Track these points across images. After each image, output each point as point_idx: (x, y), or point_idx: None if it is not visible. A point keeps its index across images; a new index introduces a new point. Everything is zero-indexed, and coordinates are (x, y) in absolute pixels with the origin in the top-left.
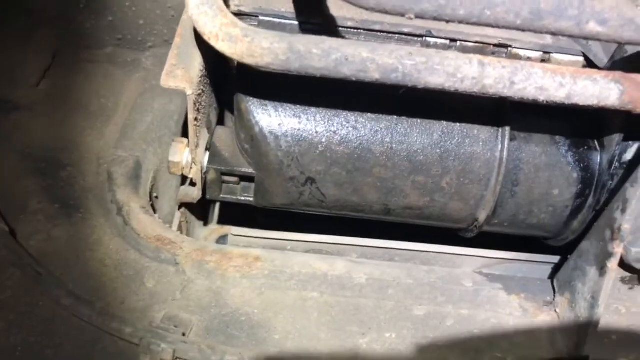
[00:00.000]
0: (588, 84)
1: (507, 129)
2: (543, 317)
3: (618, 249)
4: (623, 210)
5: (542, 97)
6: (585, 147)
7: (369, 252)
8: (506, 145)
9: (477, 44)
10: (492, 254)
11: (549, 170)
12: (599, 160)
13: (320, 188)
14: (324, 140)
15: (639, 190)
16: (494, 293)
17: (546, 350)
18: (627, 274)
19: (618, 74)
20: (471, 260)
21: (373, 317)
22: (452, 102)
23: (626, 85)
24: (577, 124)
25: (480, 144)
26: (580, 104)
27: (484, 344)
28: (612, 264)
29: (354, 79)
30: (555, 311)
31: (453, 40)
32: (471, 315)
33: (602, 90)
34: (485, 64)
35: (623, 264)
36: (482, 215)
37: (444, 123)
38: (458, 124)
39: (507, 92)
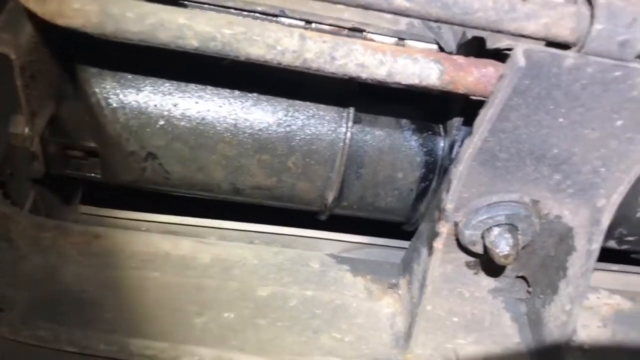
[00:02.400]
0: (408, 62)
1: (352, 110)
2: (387, 299)
3: (443, 229)
4: (447, 191)
5: (363, 75)
6: (430, 132)
7: (228, 235)
8: (350, 127)
9: (331, 27)
10: (352, 238)
11: (393, 154)
12: (442, 145)
13: (163, 164)
14: (164, 113)
15: (459, 170)
16: (341, 275)
17: (385, 331)
18: (472, 259)
19: (439, 54)
20: (332, 244)
21: (214, 297)
22: (299, 80)
23: (446, 65)
24: (423, 109)
25: (326, 124)
26: (403, 82)
27: (323, 325)
28: (438, 244)
29: (172, 46)
30: (398, 293)
31: (308, 22)
32: (315, 296)
33: (423, 69)
34: (306, 38)
35: (464, 248)
36: (329, 197)
37: (290, 101)
38: (304, 103)
39: (329, 67)
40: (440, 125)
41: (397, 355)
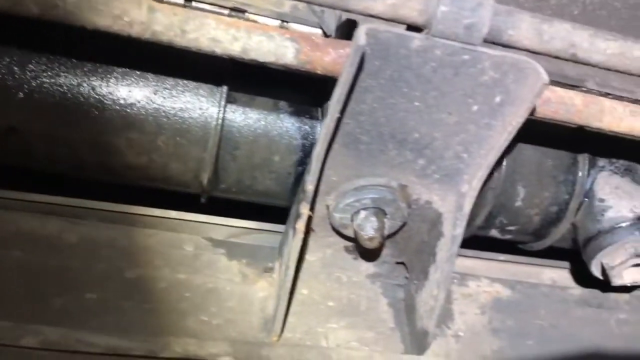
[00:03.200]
0: (263, 39)
1: (225, 89)
2: (262, 282)
3: (304, 210)
4: (308, 172)
5: (217, 50)
6: (308, 116)
7: (110, 217)
8: (223, 107)
9: (212, 6)
10: (241, 223)
11: (268, 136)
12: (319, 129)
13: (25, 139)
14: (25, 85)
15: (317, 150)
16: (215, 258)
17: (256, 314)
18: (350, 243)
19: (295, 33)
20: (219, 228)
21: (78, 278)
22: (169, 56)
23: (302, 44)
24: (302, 92)
25: (197, 103)
26: (260, 60)
27: (191, 307)
28: (299, 225)
29: (11, 12)
30: (273, 277)
31: (188, 0)
32: (187, 279)
33: (278, 47)
34: (155, 10)
35: (338, 232)
36: (204, 178)
37: (161, 77)
38: (174, 80)
39: (180, 40)
40: (319, 109)
41: (264, 339)
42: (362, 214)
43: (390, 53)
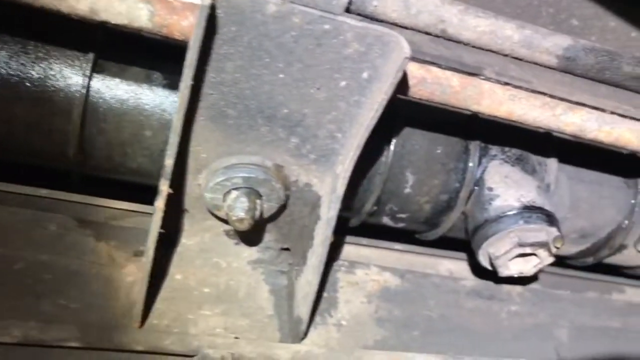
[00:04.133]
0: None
1: (92, 57)
2: (131, 266)
3: (163, 187)
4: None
5: (63, 8)
6: None
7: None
8: (89, 76)
9: None
10: (117, 204)
11: (139, 109)
12: None
13: None
14: None
15: (174, 123)
16: (82, 239)
17: (120, 299)
18: (230, 227)
19: None
20: (96, 210)
21: None
22: (35, 18)
23: (157, 6)
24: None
25: (61, 71)
26: (111, 21)
27: (48, 290)
28: (158, 203)
29: None
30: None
31: None
32: (49, 260)
33: (130, 8)
34: None
35: (213, 214)
36: (70, 153)
37: (20, 40)
38: (36, 45)
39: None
40: None
41: (125, 325)
42: (233, 194)
43: (246, 18)
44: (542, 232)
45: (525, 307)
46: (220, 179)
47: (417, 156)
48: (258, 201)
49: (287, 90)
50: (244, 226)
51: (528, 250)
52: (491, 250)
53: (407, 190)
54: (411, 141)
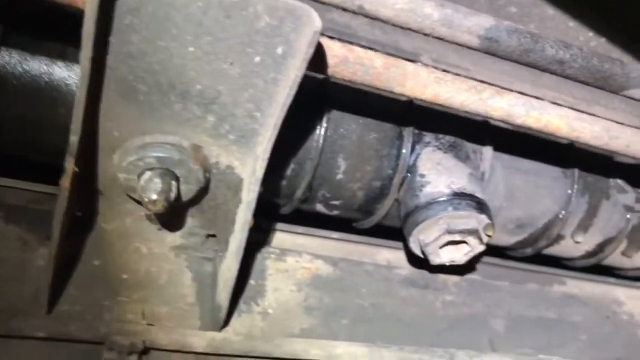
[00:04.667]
0: None
1: (0, 28)
2: (43, 250)
3: (69, 165)
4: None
5: None
6: None
7: None
8: None
9: None
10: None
11: (52, 84)
12: None
13: None
14: None
15: (76, 96)
16: None
17: (30, 284)
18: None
19: None
20: (15, 193)
21: None
22: None
23: None
24: None
25: None
26: None
27: None
28: (63, 182)
29: None
30: None
31: None
32: None
33: None
34: None
35: (130, 197)
36: None
37: None
38: None
39: None
40: None
41: (34, 310)
42: (147, 174)
43: None
44: (472, 220)
45: (461, 297)
46: (133, 159)
47: (349, 141)
48: (173, 183)
49: (198, 65)
50: (158, 208)
51: (457, 237)
52: (421, 237)
53: (340, 176)
54: (344, 126)
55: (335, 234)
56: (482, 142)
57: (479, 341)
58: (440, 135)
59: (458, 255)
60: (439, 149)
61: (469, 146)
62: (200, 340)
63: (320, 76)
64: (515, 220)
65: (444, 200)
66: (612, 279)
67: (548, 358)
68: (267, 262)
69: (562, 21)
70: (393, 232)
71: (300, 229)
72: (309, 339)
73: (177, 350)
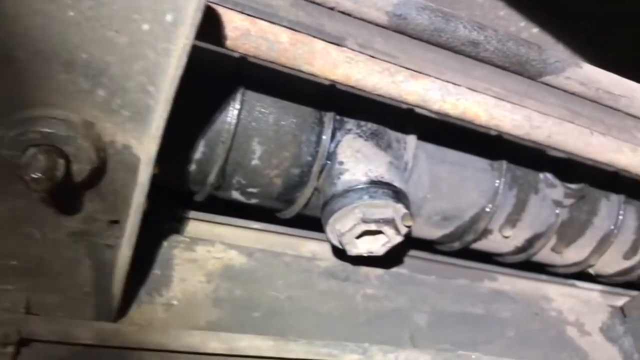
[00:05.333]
0: None
1: None
2: None
3: None
4: None
5: None
6: None
7: None
8: None
9: None
10: None
11: None
12: None
13: None
14: None
15: None
16: None
17: None
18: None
19: None
20: None
21: None
22: None
23: None
24: None
25: None
26: None
27: None
28: None
29: None
30: None
31: None
32: None
33: None
34: None
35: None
36: None
37: None
38: None
39: None
40: None
41: None
42: (31, 151)
43: None
44: (389, 209)
45: (383, 291)
46: (16, 133)
47: (265, 125)
48: (61, 161)
49: (81, 31)
50: (41, 188)
51: (373, 227)
52: (337, 227)
53: (255, 162)
54: (260, 108)
55: (256, 224)
56: (407, 131)
57: (400, 336)
58: (363, 123)
59: (375, 246)
60: (360, 136)
61: (393, 135)
62: (87, 331)
63: (236, 54)
64: (441, 212)
65: (360, 189)
66: (543, 276)
67: (468, 354)
68: (175, 251)
69: (492, 10)
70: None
71: (220, 218)
72: (209, 332)
73: (60, 341)
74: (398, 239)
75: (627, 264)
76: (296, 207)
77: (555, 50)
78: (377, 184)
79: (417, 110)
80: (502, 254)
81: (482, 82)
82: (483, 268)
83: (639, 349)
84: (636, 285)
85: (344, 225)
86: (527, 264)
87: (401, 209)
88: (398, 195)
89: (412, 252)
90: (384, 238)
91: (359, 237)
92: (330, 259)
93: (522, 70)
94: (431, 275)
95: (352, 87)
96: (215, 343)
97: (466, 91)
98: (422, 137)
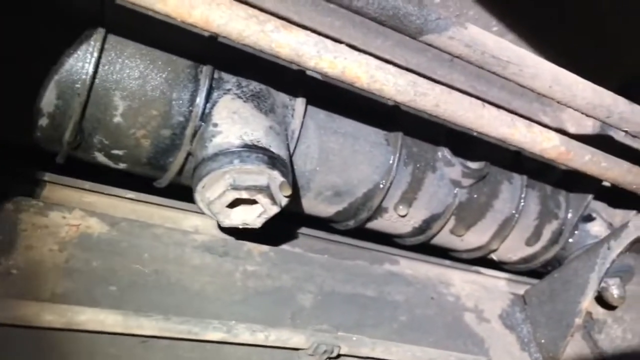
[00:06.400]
0: None
1: None
2: None
3: None
4: None
5: None
6: None
7: None
8: None
9: None
10: None
11: None
12: None
13: None
14: None
15: None
16: None
17: None
18: None
19: None
20: None
21: None
22: None
23: None
24: None
25: None
26: None
27: None
28: None
29: None
30: None
31: None
32: None
33: None
34: None
35: None
36: None
37: None
38: None
39: None
40: None
41: None
42: None
43: None
44: (263, 176)
45: (266, 268)
46: None
47: (129, 78)
48: None
49: None
50: None
51: (245, 194)
52: (207, 194)
53: (117, 119)
54: (123, 58)
55: (131, 194)
56: (296, 96)
57: (279, 315)
58: (245, 82)
59: (251, 217)
60: (240, 97)
61: (279, 99)
62: None
63: None
64: (332, 187)
65: (231, 152)
66: (448, 262)
67: (349, 336)
68: (23, 215)
69: None
70: None
71: (88, 184)
72: (46, 303)
73: None
74: (274, 209)
75: (530, 250)
76: (170, 174)
77: None
78: (251, 147)
79: (310, 73)
80: (401, 235)
81: (361, 40)
82: (385, 250)
83: (536, 337)
84: (543, 274)
85: (213, 192)
86: (433, 249)
87: (277, 176)
88: (274, 161)
89: (306, 230)
90: (260, 208)
91: (232, 206)
92: (212, 234)
93: (401, 26)
94: (324, 255)
95: (215, 34)
96: (50, 316)
97: (346, 49)
98: (314, 104)
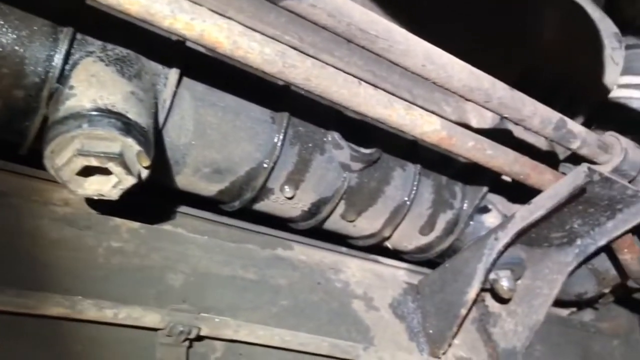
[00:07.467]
0: None
1: None
2: None
3: None
4: None
5: None
6: None
7: None
8: None
9: None
10: None
11: None
12: None
13: None
14: None
15: None
16: None
17: None
18: None
19: None
20: None
21: None
22: None
23: None
24: None
25: None
26: None
27: None
28: None
29: None
30: None
31: None
32: None
33: None
34: None
35: None
36: None
37: None
38: None
39: None
40: None
41: None
42: None
43: None
44: (116, 143)
45: (133, 245)
46: None
47: None
48: None
49: None
50: None
51: (95, 162)
52: (56, 160)
53: None
54: None
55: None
56: (171, 65)
57: (142, 295)
58: (111, 47)
59: (106, 187)
60: (102, 60)
61: (150, 67)
62: None
63: None
64: (211, 163)
65: (81, 115)
66: (344, 249)
67: (210, 317)
68: None
69: None
70: None
71: None
72: None
73: None
74: (130, 180)
75: (425, 240)
76: (28, 140)
77: None
78: (103, 112)
79: (190, 44)
80: (292, 219)
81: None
82: (280, 236)
83: (425, 327)
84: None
85: (61, 158)
86: (329, 235)
87: (133, 144)
88: (129, 128)
89: (192, 211)
90: (115, 179)
91: (86, 175)
92: (77, 207)
93: None
94: (203, 235)
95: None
96: None
97: (207, 12)
98: (193, 76)
